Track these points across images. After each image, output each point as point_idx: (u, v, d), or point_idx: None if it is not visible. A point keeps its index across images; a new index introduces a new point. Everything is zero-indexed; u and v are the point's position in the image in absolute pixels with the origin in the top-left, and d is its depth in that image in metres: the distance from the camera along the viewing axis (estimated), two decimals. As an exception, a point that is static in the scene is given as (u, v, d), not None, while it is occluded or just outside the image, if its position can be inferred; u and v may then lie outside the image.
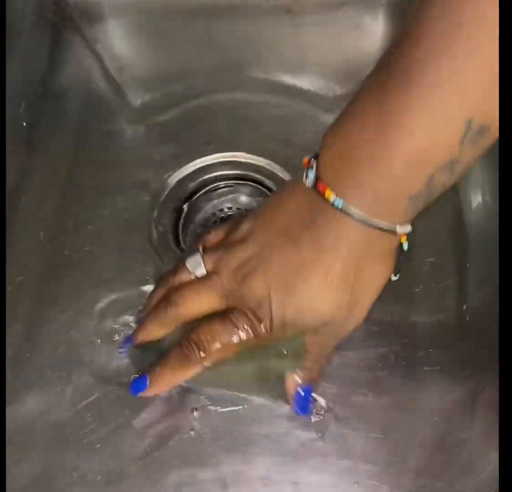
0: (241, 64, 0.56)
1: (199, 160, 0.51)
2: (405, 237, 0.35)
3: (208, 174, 0.51)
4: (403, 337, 0.42)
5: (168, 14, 0.59)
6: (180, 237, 0.48)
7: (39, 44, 0.56)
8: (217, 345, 0.35)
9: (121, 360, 0.42)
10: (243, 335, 0.35)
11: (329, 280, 0.33)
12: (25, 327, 0.43)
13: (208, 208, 0.51)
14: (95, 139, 0.52)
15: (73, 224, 0.48)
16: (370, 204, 0.31)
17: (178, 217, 0.49)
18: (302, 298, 0.34)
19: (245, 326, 0.35)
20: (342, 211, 0.32)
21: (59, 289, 0.45)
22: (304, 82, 0.55)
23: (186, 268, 0.38)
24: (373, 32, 0.58)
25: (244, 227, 0.37)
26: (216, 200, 0.51)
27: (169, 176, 0.50)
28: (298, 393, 0.37)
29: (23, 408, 0.41)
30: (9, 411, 0.40)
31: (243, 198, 0.51)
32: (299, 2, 0.57)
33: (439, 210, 0.46)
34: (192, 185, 0.51)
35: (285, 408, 0.40)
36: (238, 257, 0.36)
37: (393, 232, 0.32)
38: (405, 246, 0.35)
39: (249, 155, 0.51)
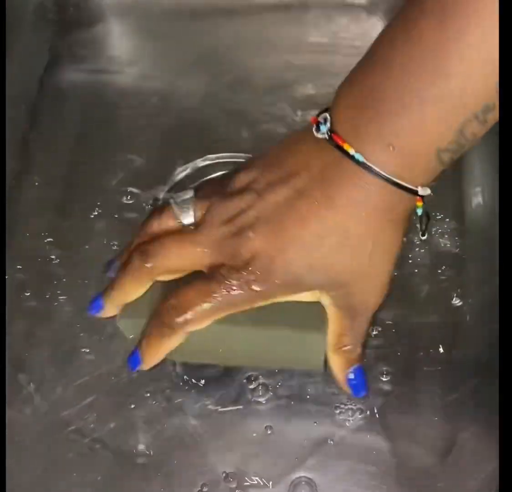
0: (242, 64, 0.56)
1: (198, 160, 0.51)
2: (422, 201, 0.30)
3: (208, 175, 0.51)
4: (403, 337, 0.42)
5: (168, 15, 0.59)
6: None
7: (39, 44, 0.56)
8: (200, 307, 0.30)
9: (121, 359, 0.42)
10: (235, 294, 0.30)
11: (346, 242, 0.29)
12: (26, 326, 0.43)
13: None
14: (95, 139, 0.52)
15: (73, 224, 0.48)
16: (394, 160, 0.28)
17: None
18: (312, 255, 0.29)
19: (235, 281, 0.30)
20: (363, 166, 0.28)
21: (59, 288, 0.45)
22: (305, 82, 0.55)
23: (172, 213, 0.33)
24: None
25: (244, 174, 0.32)
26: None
27: (169, 176, 0.50)
28: (349, 378, 0.34)
29: (24, 408, 0.41)
30: (9, 411, 0.40)
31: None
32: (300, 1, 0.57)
33: (439, 210, 0.46)
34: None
35: (285, 409, 0.40)
36: (235, 206, 0.31)
37: (413, 193, 0.29)
38: (420, 211, 0.31)
39: (249, 155, 0.51)
